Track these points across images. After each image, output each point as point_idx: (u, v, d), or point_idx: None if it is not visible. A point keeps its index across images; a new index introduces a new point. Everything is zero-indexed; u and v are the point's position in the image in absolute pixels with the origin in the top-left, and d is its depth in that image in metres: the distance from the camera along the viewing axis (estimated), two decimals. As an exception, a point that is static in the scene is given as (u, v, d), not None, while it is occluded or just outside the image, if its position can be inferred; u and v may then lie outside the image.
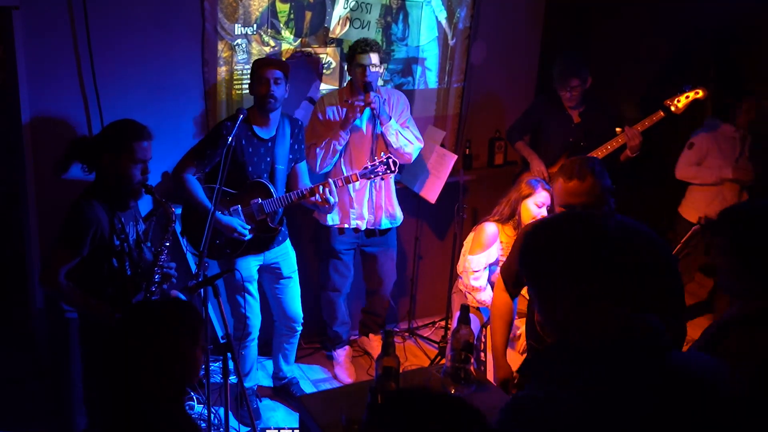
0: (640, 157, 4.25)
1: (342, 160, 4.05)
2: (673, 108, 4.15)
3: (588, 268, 1.54)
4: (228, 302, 3.84)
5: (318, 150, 3.93)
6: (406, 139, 4.01)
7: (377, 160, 3.69)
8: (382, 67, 4.02)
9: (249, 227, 3.61)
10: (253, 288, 3.87)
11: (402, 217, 4.33)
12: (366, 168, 3.69)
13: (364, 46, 3.89)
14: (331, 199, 3.61)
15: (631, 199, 5.69)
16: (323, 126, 3.99)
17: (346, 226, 4.16)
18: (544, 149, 4.51)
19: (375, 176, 3.68)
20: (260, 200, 3.63)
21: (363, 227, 4.19)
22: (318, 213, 4.17)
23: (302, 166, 3.86)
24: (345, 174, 3.89)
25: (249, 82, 3.68)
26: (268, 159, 3.68)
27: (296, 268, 3.99)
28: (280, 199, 3.64)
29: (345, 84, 4.23)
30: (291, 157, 3.76)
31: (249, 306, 3.83)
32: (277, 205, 3.64)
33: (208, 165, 3.65)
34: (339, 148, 3.94)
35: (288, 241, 3.95)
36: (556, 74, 4.42)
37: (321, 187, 3.60)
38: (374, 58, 3.88)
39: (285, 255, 3.91)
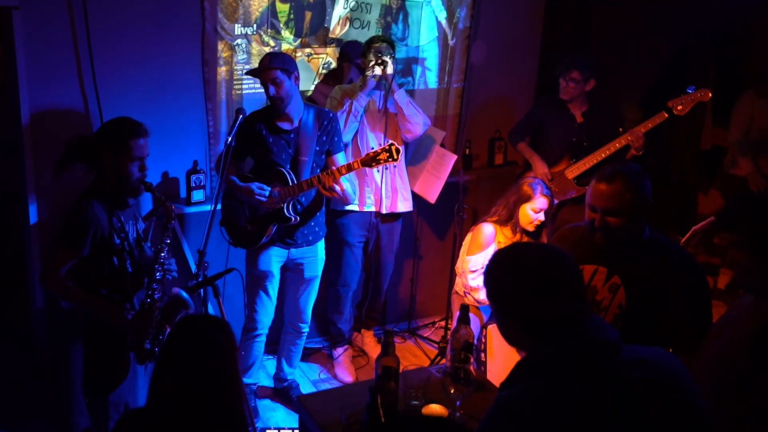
0: (644, 156, 4.25)
1: (357, 137, 4.12)
2: (675, 110, 4.14)
3: None
4: (245, 293, 3.85)
5: (339, 113, 3.97)
6: (414, 109, 4.17)
7: (378, 148, 3.68)
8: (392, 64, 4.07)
9: (267, 189, 3.62)
10: (272, 286, 3.86)
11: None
12: (368, 155, 3.65)
13: (378, 37, 4.09)
14: (337, 188, 3.60)
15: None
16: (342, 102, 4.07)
17: (366, 209, 4.21)
18: (546, 149, 4.50)
19: (377, 164, 3.63)
20: (278, 188, 3.64)
21: (382, 210, 4.24)
22: (335, 202, 4.20)
23: (339, 157, 3.83)
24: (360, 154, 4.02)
25: None
26: (291, 150, 3.68)
27: (320, 274, 3.97)
28: (293, 188, 3.62)
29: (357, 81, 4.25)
30: (318, 149, 3.73)
31: (261, 302, 3.84)
32: (290, 193, 3.63)
33: (242, 159, 3.74)
34: (360, 109, 4.03)
35: (321, 245, 3.93)
36: (561, 63, 4.42)
37: (327, 177, 3.58)
38: (387, 47, 4.02)
39: (313, 258, 3.90)
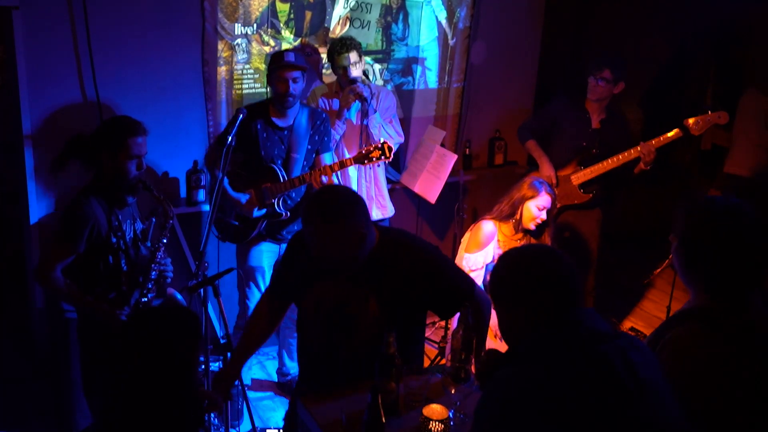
0: (653, 170, 4.22)
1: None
2: (691, 129, 4.13)
3: None
4: (237, 289, 3.87)
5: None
6: (387, 134, 4.14)
7: (372, 145, 3.69)
8: (363, 61, 4.07)
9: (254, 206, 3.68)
10: (263, 281, 3.88)
11: (393, 210, 4.36)
12: (360, 152, 3.69)
13: (340, 47, 3.97)
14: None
15: (633, 199, 5.71)
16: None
17: None
18: (555, 150, 4.38)
19: (369, 161, 3.67)
20: (269, 184, 3.68)
21: None
22: None
23: (327, 157, 3.88)
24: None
25: (268, 73, 3.70)
26: (283, 146, 3.73)
27: None
28: (284, 184, 3.67)
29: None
30: (310, 147, 3.79)
31: (253, 297, 3.87)
32: (281, 189, 3.67)
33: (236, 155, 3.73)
34: (337, 137, 4.04)
35: None
36: (592, 61, 4.31)
37: (318, 173, 3.64)
38: (353, 56, 3.97)
39: None
